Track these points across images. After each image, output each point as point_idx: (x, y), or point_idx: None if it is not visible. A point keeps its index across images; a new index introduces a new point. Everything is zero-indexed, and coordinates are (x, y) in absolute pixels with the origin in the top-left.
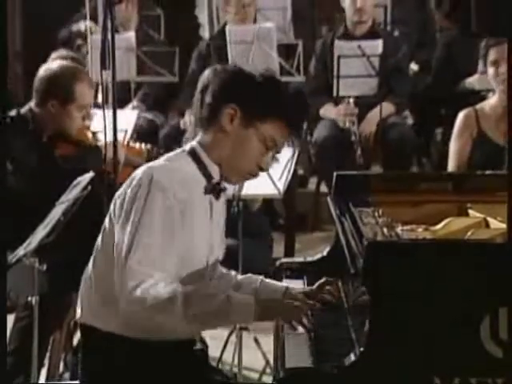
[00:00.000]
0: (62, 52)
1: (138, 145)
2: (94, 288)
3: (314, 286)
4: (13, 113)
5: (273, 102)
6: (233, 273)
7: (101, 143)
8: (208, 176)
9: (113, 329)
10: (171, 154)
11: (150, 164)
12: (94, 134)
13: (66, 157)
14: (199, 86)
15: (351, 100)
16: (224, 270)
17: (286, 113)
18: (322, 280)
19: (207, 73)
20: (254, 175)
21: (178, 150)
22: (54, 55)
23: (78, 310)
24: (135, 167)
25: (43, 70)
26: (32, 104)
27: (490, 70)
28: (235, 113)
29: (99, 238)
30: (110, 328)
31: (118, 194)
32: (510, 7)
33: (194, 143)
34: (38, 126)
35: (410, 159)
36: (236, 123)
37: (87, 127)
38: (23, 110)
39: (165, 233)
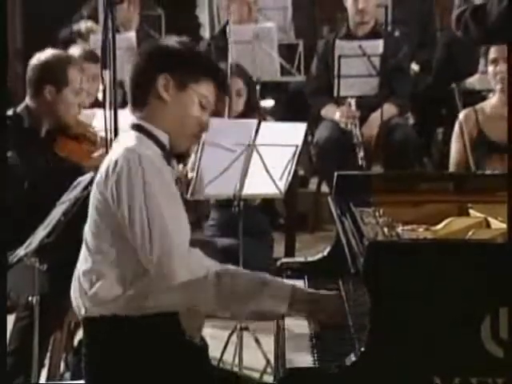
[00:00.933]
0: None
1: None
2: (96, 279)
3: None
4: (9, 112)
5: (200, 64)
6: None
7: (100, 135)
8: (161, 145)
9: (119, 310)
10: (121, 138)
11: (125, 146)
12: (92, 127)
13: (66, 156)
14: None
15: (353, 102)
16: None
17: (213, 72)
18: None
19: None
20: (198, 137)
21: (124, 133)
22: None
23: (81, 309)
24: None
25: (35, 59)
26: (27, 100)
27: (490, 69)
28: (168, 81)
29: (88, 229)
30: (115, 310)
31: (99, 180)
32: None
33: (135, 121)
34: (34, 122)
35: (413, 160)
36: (172, 90)
37: (89, 125)
38: (19, 109)
39: (170, 199)
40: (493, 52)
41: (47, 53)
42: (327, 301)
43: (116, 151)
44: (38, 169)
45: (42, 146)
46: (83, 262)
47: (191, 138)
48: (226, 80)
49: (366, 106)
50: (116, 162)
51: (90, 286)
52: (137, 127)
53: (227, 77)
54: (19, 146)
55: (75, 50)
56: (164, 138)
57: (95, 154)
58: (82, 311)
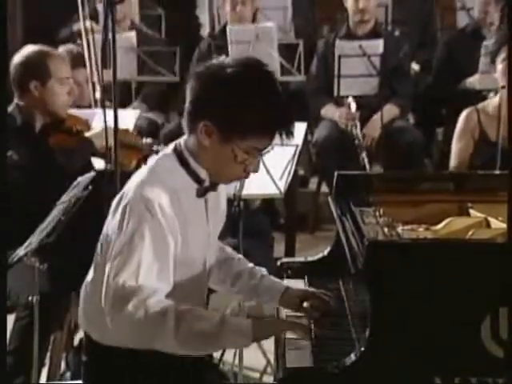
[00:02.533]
0: (69, 46)
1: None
2: (91, 296)
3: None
4: None
5: (252, 120)
6: (235, 258)
7: (93, 132)
8: (198, 180)
9: (107, 341)
10: (159, 159)
11: (140, 179)
12: (85, 121)
13: (60, 148)
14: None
15: (353, 104)
16: (228, 252)
17: (269, 126)
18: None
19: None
20: (245, 177)
21: (166, 153)
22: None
23: (79, 315)
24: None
25: (15, 58)
26: (16, 99)
27: (500, 66)
28: (212, 130)
29: (98, 245)
30: (104, 340)
31: (112, 207)
32: None
33: (181, 144)
34: (27, 119)
35: (420, 162)
36: (214, 139)
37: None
38: (10, 109)
39: (157, 251)
40: (504, 51)
41: (25, 50)
42: (287, 322)
43: (136, 178)
44: (35, 165)
45: (38, 142)
46: (90, 273)
47: (234, 178)
48: (286, 124)
49: (367, 106)
50: (126, 196)
51: (85, 301)
52: (178, 154)
53: (289, 120)
54: (14, 145)
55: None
56: (202, 173)
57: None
58: (79, 322)
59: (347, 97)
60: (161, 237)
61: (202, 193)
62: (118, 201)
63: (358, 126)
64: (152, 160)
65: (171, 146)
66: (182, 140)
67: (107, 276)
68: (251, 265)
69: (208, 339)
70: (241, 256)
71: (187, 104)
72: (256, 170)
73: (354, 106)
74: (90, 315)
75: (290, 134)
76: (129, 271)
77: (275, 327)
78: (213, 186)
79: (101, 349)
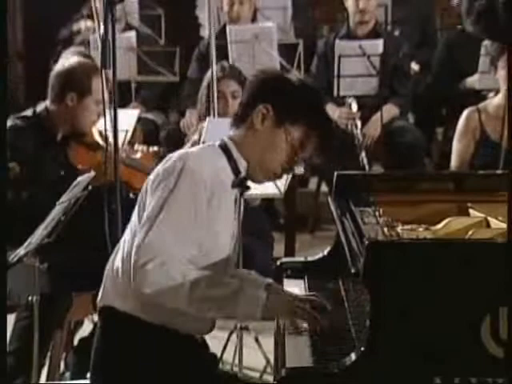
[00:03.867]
0: (79, 48)
1: (144, 148)
2: (121, 271)
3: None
4: (28, 112)
5: (306, 107)
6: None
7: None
8: (236, 171)
9: (131, 310)
10: (205, 145)
11: (186, 150)
12: (101, 134)
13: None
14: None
15: (354, 104)
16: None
17: (315, 120)
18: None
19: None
20: (278, 176)
21: (211, 143)
22: (69, 51)
23: (100, 294)
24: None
25: (60, 65)
26: (48, 103)
27: (501, 72)
28: (267, 112)
29: (132, 223)
30: (128, 308)
31: (152, 174)
32: None
33: (225, 138)
34: (52, 125)
35: (420, 162)
36: (267, 122)
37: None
38: (39, 109)
39: (187, 219)
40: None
41: (73, 60)
42: (302, 301)
43: (178, 152)
44: (51, 169)
45: (56, 151)
46: (119, 250)
47: (270, 174)
48: (329, 132)
49: (367, 106)
50: (166, 161)
51: (116, 276)
52: (222, 144)
53: (331, 130)
54: (35, 145)
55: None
56: (242, 164)
57: None
58: (99, 300)
59: (348, 97)
60: (195, 206)
61: (237, 184)
62: (163, 164)
63: (359, 126)
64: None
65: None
66: (226, 137)
67: (139, 235)
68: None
69: (222, 305)
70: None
71: (243, 96)
72: (291, 170)
73: (354, 106)
74: (122, 287)
75: (326, 135)
76: (157, 231)
77: (287, 309)
78: (245, 182)
79: (123, 319)
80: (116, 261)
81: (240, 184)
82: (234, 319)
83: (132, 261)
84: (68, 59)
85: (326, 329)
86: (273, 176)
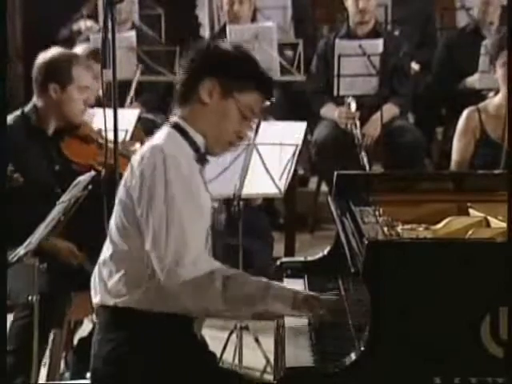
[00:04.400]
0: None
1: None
2: (116, 270)
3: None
4: (18, 112)
5: (249, 74)
6: None
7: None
8: (195, 147)
9: (133, 303)
10: (159, 133)
11: (155, 142)
12: (99, 130)
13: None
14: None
15: (353, 104)
16: None
17: (261, 83)
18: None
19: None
20: (235, 145)
21: (163, 128)
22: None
23: (96, 295)
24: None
25: (40, 58)
26: (34, 99)
27: (500, 71)
28: (214, 85)
29: (113, 221)
30: (129, 303)
31: (127, 174)
32: None
33: (175, 119)
34: (41, 120)
35: (420, 162)
36: (215, 95)
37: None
38: (27, 108)
39: (190, 203)
40: (504, 55)
41: (51, 51)
42: (326, 299)
43: (145, 147)
44: (43, 169)
45: (48, 145)
46: (105, 252)
47: (227, 144)
48: (272, 90)
49: (366, 105)
50: (141, 159)
51: (109, 276)
52: (174, 125)
53: (273, 87)
54: (25, 145)
55: (80, 49)
56: (199, 140)
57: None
58: (97, 299)
59: (347, 96)
60: (189, 185)
61: (200, 159)
62: (132, 170)
63: (358, 126)
64: (154, 136)
65: (165, 125)
66: (173, 117)
67: (157, 243)
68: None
69: (253, 302)
70: None
71: (183, 73)
72: (246, 137)
73: (353, 106)
74: (118, 292)
75: (272, 95)
76: (175, 235)
77: (313, 300)
78: (206, 156)
79: (124, 315)
80: (108, 259)
81: (201, 159)
82: (258, 318)
83: (160, 269)
84: (47, 51)
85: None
86: (229, 146)
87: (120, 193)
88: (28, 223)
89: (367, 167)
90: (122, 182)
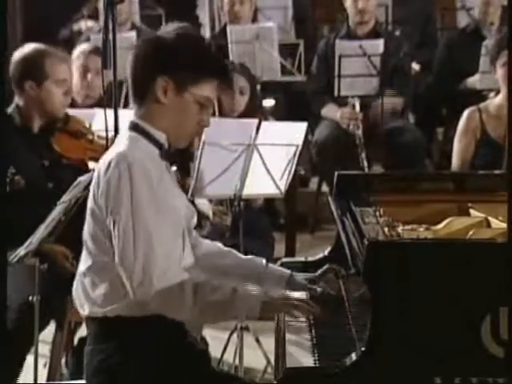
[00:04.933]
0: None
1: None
2: (99, 280)
3: (317, 273)
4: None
5: (200, 65)
6: (216, 247)
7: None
8: (158, 144)
9: (121, 311)
10: (120, 137)
11: (118, 149)
12: (88, 125)
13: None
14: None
15: (357, 104)
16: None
17: (215, 71)
18: (325, 267)
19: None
20: (198, 134)
21: (122, 132)
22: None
23: (83, 307)
24: None
25: (14, 57)
26: (16, 99)
27: (500, 71)
28: (167, 84)
29: (86, 231)
30: (118, 312)
31: (94, 183)
32: None
33: (133, 119)
34: (25, 119)
35: (420, 162)
36: (170, 93)
37: (86, 124)
38: (10, 109)
39: (158, 213)
40: (504, 55)
41: (24, 48)
42: (286, 302)
43: (109, 154)
44: (33, 165)
45: (36, 142)
46: (83, 262)
47: (190, 136)
48: (229, 75)
49: (367, 106)
50: (107, 167)
51: (92, 287)
52: (134, 126)
53: (230, 71)
54: (13, 145)
55: (84, 45)
56: (161, 137)
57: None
58: (85, 311)
59: (352, 97)
60: (155, 193)
61: (165, 155)
62: (98, 180)
63: (360, 127)
64: (116, 141)
65: (124, 128)
66: (131, 118)
67: (125, 254)
68: (250, 257)
69: (223, 308)
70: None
71: (133, 74)
72: (207, 124)
73: (358, 106)
74: (103, 302)
75: (230, 81)
76: (142, 245)
77: (284, 304)
78: (170, 152)
79: (115, 324)
80: (90, 274)
81: (167, 155)
82: (236, 320)
83: (131, 280)
84: (21, 48)
85: (324, 315)
86: (193, 136)
87: (90, 203)
88: (25, 222)
89: (366, 169)
90: (91, 192)
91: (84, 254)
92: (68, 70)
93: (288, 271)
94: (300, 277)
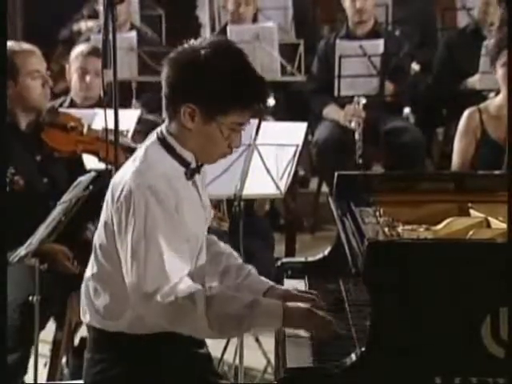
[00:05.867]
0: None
1: None
2: (102, 289)
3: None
4: None
5: (230, 97)
6: (225, 253)
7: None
8: (185, 163)
9: (123, 328)
10: (146, 148)
11: (138, 165)
12: (79, 119)
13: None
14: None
15: (362, 101)
16: (220, 247)
17: (247, 101)
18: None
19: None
20: (230, 152)
21: (152, 141)
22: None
23: (85, 314)
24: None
25: None
26: None
27: (500, 71)
28: (194, 111)
29: (97, 237)
30: (119, 328)
31: (109, 196)
32: None
33: (163, 131)
34: (11, 118)
35: (420, 162)
36: (197, 120)
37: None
38: None
39: (172, 234)
40: (504, 55)
41: None
42: (317, 314)
43: (130, 167)
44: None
45: (27, 139)
46: (91, 267)
47: (219, 157)
48: (262, 98)
49: (367, 106)
50: (124, 185)
51: (95, 294)
52: (162, 140)
53: (264, 95)
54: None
55: (82, 46)
56: (189, 156)
57: None
58: (87, 319)
59: (358, 95)
60: (171, 219)
61: (190, 175)
62: (114, 193)
63: (362, 125)
64: (139, 151)
65: (154, 134)
66: (163, 127)
67: (134, 272)
68: (239, 262)
69: (239, 321)
70: (231, 251)
71: (165, 91)
72: (238, 145)
73: (362, 103)
74: (103, 308)
75: (266, 105)
76: (153, 263)
77: (306, 320)
78: (198, 168)
79: (112, 339)
80: (92, 278)
81: (193, 174)
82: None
83: (140, 297)
84: None
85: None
86: (222, 157)
87: (103, 213)
88: (24, 220)
89: (359, 162)
90: (105, 203)
91: (92, 258)
92: (39, 61)
93: (266, 285)
94: (276, 291)
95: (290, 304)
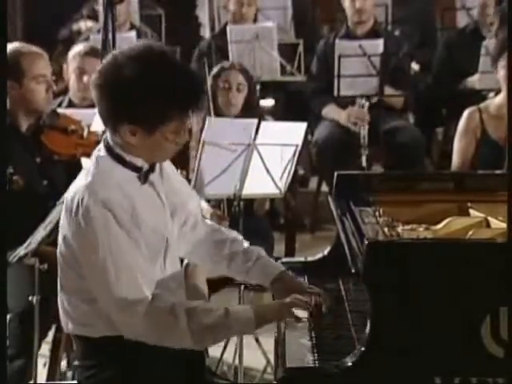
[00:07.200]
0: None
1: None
2: (74, 299)
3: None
4: None
5: (167, 108)
6: (229, 239)
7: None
8: (137, 169)
9: (106, 332)
10: (96, 161)
11: (89, 182)
12: (79, 122)
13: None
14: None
15: (366, 104)
16: (223, 233)
17: (183, 106)
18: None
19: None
20: (180, 148)
21: (101, 153)
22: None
23: (67, 323)
24: None
25: None
26: None
27: (502, 72)
28: (135, 129)
29: (59, 254)
30: (103, 333)
31: (64, 210)
32: None
33: (110, 142)
34: (12, 120)
35: (420, 162)
36: (139, 136)
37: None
38: None
39: (136, 247)
40: (506, 56)
41: None
42: (286, 303)
43: (82, 182)
44: (28, 165)
45: (27, 141)
46: (59, 279)
47: (168, 156)
48: (197, 102)
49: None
50: (79, 202)
51: (69, 304)
52: (109, 150)
53: (197, 98)
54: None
55: (79, 46)
56: (138, 161)
57: None
58: (69, 330)
59: (362, 97)
60: (131, 231)
61: (144, 179)
62: (71, 206)
63: (366, 127)
64: (90, 163)
65: (102, 145)
66: (108, 138)
67: (106, 289)
68: (246, 245)
69: (218, 330)
70: (235, 236)
71: (99, 112)
72: (184, 141)
73: (366, 106)
74: (88, 315)
75: (202, 106)
76: (124, 281)
77: (277, 311)
78: (151, 168)
79: (97, 345)
80: (65, 291)
81: (146, 177)
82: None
83: (117, 316)
84: None
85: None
86: (175, 152)
87: (62, 226)
88: (24, 220)
89: (365, 165)
90: (62, 216)
91: (59, 270)
92: (46, 65)
93: (278, 269)
94: (289, 282)
95: (261, 305)
